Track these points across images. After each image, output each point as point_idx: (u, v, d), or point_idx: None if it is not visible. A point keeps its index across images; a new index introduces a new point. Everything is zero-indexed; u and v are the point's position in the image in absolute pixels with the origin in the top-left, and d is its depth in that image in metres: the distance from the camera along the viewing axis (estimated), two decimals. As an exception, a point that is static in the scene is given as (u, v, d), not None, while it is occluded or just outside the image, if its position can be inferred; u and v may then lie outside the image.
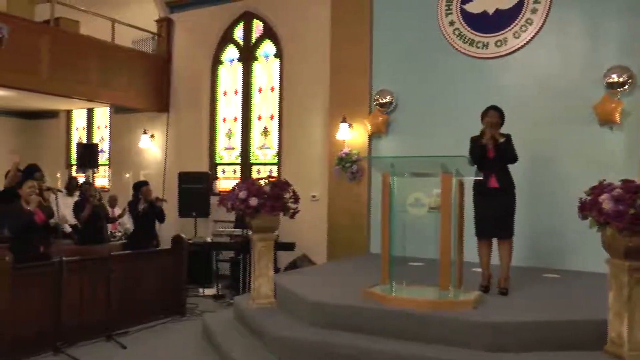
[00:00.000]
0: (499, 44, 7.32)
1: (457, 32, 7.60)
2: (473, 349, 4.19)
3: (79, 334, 5.82)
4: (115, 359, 5.53)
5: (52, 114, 13.08)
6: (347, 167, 8.12)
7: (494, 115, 5.30)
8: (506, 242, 5.28)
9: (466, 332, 4.27)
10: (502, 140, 5.24)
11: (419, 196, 4.89)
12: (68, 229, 8.04)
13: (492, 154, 5.21)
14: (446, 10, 7.68)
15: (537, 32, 7.09)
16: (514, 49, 7.23)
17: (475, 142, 5.34)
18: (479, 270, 5.42)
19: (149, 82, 10.75)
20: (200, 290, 8.45)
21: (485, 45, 7.41)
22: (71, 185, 9.17)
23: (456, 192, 4.80)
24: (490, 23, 7.39)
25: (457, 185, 4.84)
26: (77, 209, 7.69)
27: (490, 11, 7.39)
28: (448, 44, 7.65)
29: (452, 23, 7.64)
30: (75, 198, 8.49)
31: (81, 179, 9.96)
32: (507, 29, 7.27)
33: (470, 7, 7.54)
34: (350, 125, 8.19)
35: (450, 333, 4.31)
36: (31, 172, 7.32)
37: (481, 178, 5.12)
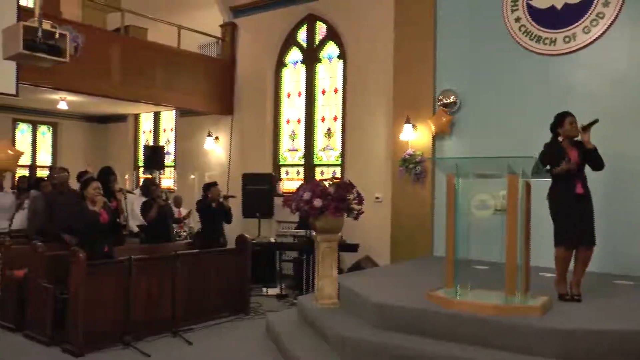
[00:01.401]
0: (567, 39, 7.09)
1: (523, 29, 7.41)
2: (539, 357, 4.07)
3: (146, 329, 6.03)
4: (181, 355, 5.67)
5: (121, 118, 13.61)
6: (411, 168, 8.06)
7: (575, 119, 5.13)
8: (589, 250, 5.09)
9: (532, 339, 4.15)
10: (590, 146, 5.06)
11: (484, 198, 4.78)
12: (136, 228, 8.29)
13: (577, 159, 5.03)
14: (512, 6, 7.50)
15: (610, 26, 6.80)
16: (583, 44, 6.98)
17: (553, 146, 5.15)
18: (547, 275, 5.26)
19: (214, 85, 10.99)
20: (264, 289, 8.57)
21: (553, 42, 7.19)
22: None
23: (523, 194, 4.67)
24: (558, 18, 7.16)
25: (524, 187, 4.71)
26: (145, 208, 7.92)
27: (559, 6, 7.16)
28: (514, 41, 7.47)
29: (518, 19, 7.45)
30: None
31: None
32: (576, 24, 7.02)
33: (537, 3, 7.33)
34: (414, 126, 8.12)
35: (515, 339, 4.20)
36: (106, 174, 7.62)
37: (548, 181, 4.96)
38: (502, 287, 4.58)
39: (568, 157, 5.01)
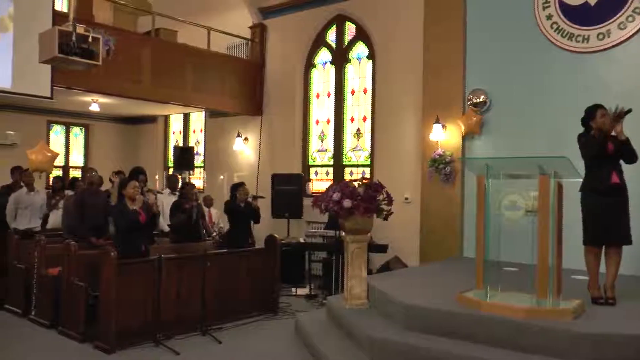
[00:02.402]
0: (601, 36, 6.96)
1: (555, 26, 7.29)
2: (571, 361, 4.00)
3: (176, 327, 6.11)
4: (210, 353, 5.73)
5: (151, 119, 13.80)
6: (441, 168, 8.00)
7: (606, 111, 5.00)
8: (620, 248, 4.96)
9: (564, 342, 4.08)
10: (623, 138, 4.92)
11: (515, 198, 4.72)
12: (166, 228, 8.39)
13: (612, 147, 4.89)
14: (543, 3, 7.39)
15: (647, 22, 6.66)
16: (618, 41, 6.84)
17: (590, 135, 5.03)
18: (580, 277, 5.17)
19: (243, 86, 11.07)
20: (293, 289, 8.60)
21: (586, 39, 7.06)
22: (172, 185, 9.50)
23: (554, 195, 4.60)
24: (591, 15, 7.03)
25: (556, 187, 4.64)
26: (173, 212, 7.99)
27: (592, 2, 7.03)
28: (545, 39, 7.36)
29: (549, 17, 7.34)
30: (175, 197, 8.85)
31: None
32: (610, 20, 6.88)
33: None
34: (443, 126, 8.07)
35: (547, 343, 4.14)
36: (136, 174, 7.74)
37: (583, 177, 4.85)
38: (533, 290, 4.52)
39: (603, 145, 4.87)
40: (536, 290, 4.48)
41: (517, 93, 7.56)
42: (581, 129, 5.14)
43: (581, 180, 4.95)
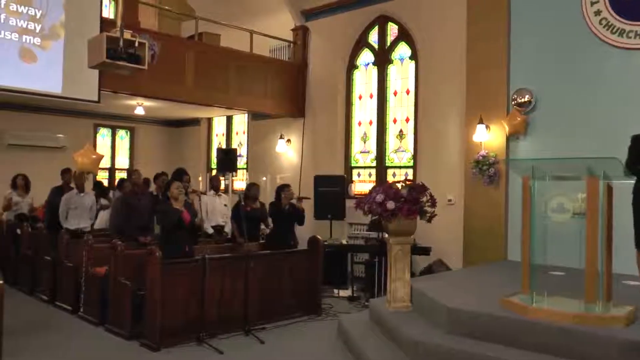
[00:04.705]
0: (654, 33, 6.74)
1: (604, 22, 7.09)
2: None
3: (219, 327, 6.19)
4: (253, 353, 5.79)
5: (194, 122, 14.01)
6: (484, 170, 7.88)
7: None
8: None
9: (615, 351, 3.94)
10: None
11: (562, 201, 4.60)
12: (210, 230, 8.50)
13: None
14: (592, -1, 7.20)
15: None
16: (672, 37, 6.63)
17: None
18: (633, 283, 5.01)
19: (285, 88, 11.13)
20: (335, 291, 8.61)
21: (638, 35, 6.83)
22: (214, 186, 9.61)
23: (604, 197, 4.47)
24: (643, 9, 6.81)
25: (605, 189, 4.51)
26: (234, 212, 8.10)
27: (644, -5, 6.81)
28: (593, 35, 7.16)
29: (598, 12, 7.14)
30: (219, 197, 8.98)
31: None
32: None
33: (619, -6, 7.01)
34: (487, 127, 7.95)
35: (596, 351, 4.01)
36: (179, 175, 7.87)
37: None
38: (581, 295, 4.40)
39: None
40: (584, 295, 4.36)
41: (564, 92, 7.39)
42: (634, 129, 4.99)
43: (634, 181, 4.80)
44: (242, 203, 7.76)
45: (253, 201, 8.15)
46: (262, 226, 8.57)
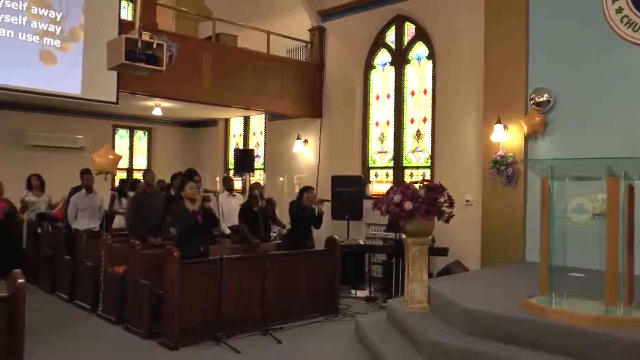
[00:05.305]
0: (677, 31, 6.64)
1: (625, 20, 6.98)
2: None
3: (237, 326, 6.21)
4: (271, 353, 5.79)
5: (211, 122, 14.08)
6: (502, 170, 7.82)
7: None
8: None
9: (635, 354, 3.89)
10: None
11: (581, 201, 4.55)
12: (227, 230, 8.52)
13: None
14: (613, -4, 7.11)
15: None
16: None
17: None
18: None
19: (303, 89, 11.14)
20: (353, 291, 8.59)
21: (660, 33, 6.74)
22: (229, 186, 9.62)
23: (625, 197, 4.41)
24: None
25: (626, 190, 4.45)
26: (245, 210, 8.11)
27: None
28: (614, 33, 7.05)
29: (619, 10, 7.03)
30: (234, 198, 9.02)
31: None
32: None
33: (643, -9, 6.89)
34: (505, 127, 7.88)
35: (617, 354, 3.96)
36: (191, 175, 7.91)
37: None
38: (601, 297, 4.35)
39: None
40: (605, 297, 4.31)
41: (584, 91, 7.29)
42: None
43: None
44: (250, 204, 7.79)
45: (259, 200, 8.09)
46: (277, 228, 8.59)
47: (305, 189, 8.10)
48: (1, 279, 4.29)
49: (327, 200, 8.61)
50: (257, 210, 7.62)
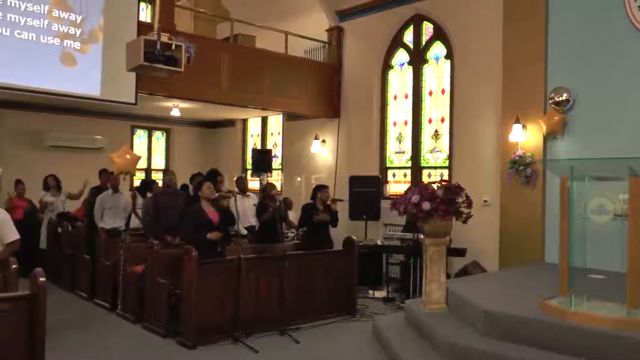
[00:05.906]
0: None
1: (648, 17, 6.88)
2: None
3: (255, 326, 6.24)
4: (288, 353, 5.81)
5: (229, 123, 14.14)
6: (521, 170, 7.75)
7: None
8: None
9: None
10: None
11: (602, 202, 4.50)
12: (244, 231, 8.55)
13: None
14: (636, -6, 7.00)
15: None
16: None
17: None
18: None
19: (320, 89, 11.14)
20: (370, 292, 8.58)
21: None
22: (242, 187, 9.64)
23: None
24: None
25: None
26: (260, 210, 8.15)
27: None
28: (636, 31, 6.93)
29: (642, 7, 6.93)
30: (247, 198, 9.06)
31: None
32: None
33: (666, -14, 6.78)
34: (524, 126, 7.82)
35: (638, 358, 3.91)
36: (213, 175, 7.92)
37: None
38: (622, 299, 4.29)
39: None
40: (627, 299, 4.25)
41: (605, 90, 7.19)
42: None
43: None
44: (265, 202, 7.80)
45: (273, 200, 8.09)
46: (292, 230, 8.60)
47: (319, 188, 8.09)
48: (22, 277, 4.36)
49: (341, 200, 8.59)
50: (273, 210, 7.64)
